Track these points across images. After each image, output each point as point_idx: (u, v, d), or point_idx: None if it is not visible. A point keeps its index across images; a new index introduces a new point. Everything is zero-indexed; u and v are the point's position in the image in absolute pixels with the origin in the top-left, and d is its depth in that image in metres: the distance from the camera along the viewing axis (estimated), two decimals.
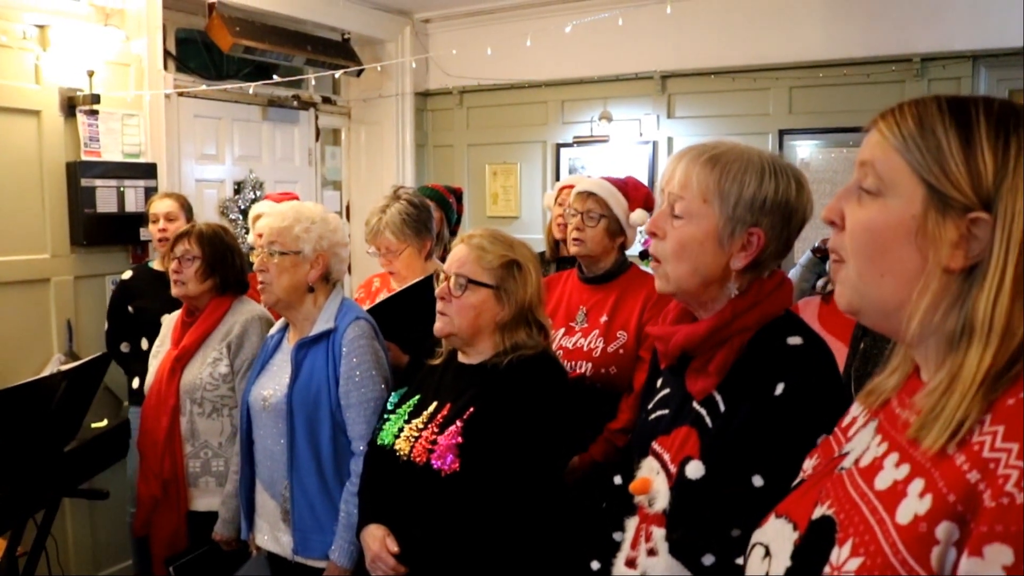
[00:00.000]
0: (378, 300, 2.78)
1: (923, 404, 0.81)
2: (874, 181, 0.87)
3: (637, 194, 2.67)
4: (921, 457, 0.78)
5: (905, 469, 0.80)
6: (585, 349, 2.54)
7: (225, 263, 2.75)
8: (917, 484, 0.77)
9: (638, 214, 2.64)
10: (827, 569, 0.81)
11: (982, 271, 0.79)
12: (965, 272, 0.81)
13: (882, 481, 0.82)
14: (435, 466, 1.86)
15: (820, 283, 3.88)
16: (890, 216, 0.85)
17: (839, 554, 0.81)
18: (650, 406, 1.55)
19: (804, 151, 4.51)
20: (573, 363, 2.52)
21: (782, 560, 0.91)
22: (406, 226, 2.72)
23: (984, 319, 0.78)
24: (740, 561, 1.07)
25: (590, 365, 2.52)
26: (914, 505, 0.75)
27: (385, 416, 2.09)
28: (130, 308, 3.43)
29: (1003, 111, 0.83)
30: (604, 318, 2.55)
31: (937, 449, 0.76)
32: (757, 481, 1.31)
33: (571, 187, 3.44)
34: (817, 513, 0.89)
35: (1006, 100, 0.85)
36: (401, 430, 1.99)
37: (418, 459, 1.90)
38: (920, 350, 0.87)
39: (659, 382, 1.56)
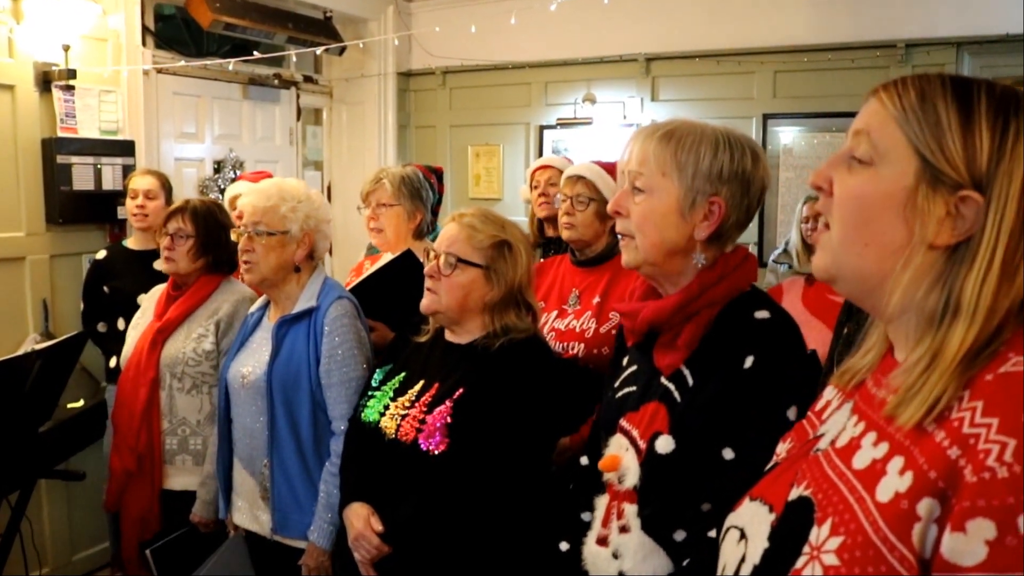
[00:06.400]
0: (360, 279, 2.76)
1: (901, 381, 0.81)
2: (867, 150, 0.87)
3: None
4: (899, 435, 0.79)
5: (884, 448, 0.80)
6: (577, 330, 2.51)
7: (219, 243, 2.69)
8: (896, 462, 0.77)
9: None
10: (806, 549, 0.81)
11: (971, 250, 0.80)
12: (950, 250, 0.81)
13: (860, 460, 0.82)
14: (423, 446, 1.84)
15: (783, 268, 3.88)
16: (880, 186, 0.85)
17: (818, 533, 0.81)
18: (616, 384, 1.55)
19: (787, 136, 4.52)
20: (565, 344, 2.48)
21: (759, 542, 0.91)
22: (404, 185, 2.78)
23: (971, 298, 0.79)
24: (712, 534, 1.07)
25: (582, 346, 2.48)
26: (894, 483, 0.75)
27: (369, 393, 2.07)
28: (105, 288, 3.39)
29: (1005, 95, 0.83)
30: (597, 299, 2.52)
31: (913, 425, 0.77)
32: (727, 454, 1.33)
33: (544, 168, 3.45)
34: (794, 494, 0.89)
35: (1009, 86, 0.85)
36: (387, 408, 1.97)
37: (405, 438, 1.88)
38: (897, 326, 0.88)
39: (625, 360, 1.57)
